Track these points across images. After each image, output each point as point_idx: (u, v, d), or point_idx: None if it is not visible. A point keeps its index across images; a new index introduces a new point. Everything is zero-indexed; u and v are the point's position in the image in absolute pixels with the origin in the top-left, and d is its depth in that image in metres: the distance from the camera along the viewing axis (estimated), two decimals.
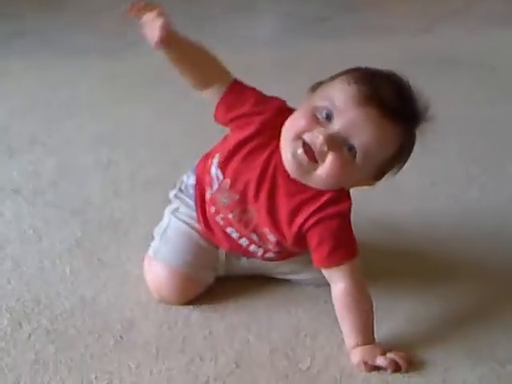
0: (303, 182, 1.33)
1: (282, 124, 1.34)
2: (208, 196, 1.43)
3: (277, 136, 1.34)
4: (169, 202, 1.53)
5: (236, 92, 1.39)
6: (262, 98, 1.39)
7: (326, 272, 1.36)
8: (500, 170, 2.02)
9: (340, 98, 1.28)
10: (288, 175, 1.34)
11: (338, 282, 1.34)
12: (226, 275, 1.49)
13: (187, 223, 1.47)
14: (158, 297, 1.44)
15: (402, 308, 1.46)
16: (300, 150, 1.29)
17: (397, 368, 1.29)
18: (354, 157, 1.28)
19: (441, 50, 3.03)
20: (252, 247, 1.44)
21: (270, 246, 1.42)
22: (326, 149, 1.27)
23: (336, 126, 1.28)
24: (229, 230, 1.43)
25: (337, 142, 1.27)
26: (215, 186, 1.40)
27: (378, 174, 1.35)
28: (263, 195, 1.36)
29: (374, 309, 1.34)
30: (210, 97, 1.41)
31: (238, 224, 1.41)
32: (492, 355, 1.34)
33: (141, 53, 2.90)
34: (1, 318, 1.38)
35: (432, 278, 1.55)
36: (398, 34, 3.26)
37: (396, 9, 3.67)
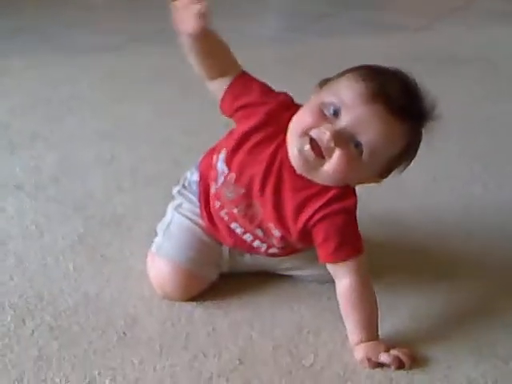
0: (309, 177, 1.33)
1: (288, 119, 1.34)
2: (213, 191, 1.43)
3: (283, 130, 1.34)
4: (172, 198, 1.53)
5: (243, 82, 1.39)
6: (268, 90, 1.39)
7: (331, 268, 1.36)
8: (502, 167, 2.02)
9: (348, 94, 1.28)
10: (294, 170, 1.34)
11: (343, 278, 1.34)
12: (229, 272, 1.49)
13: (190, 219, 1.47)
14: (162, 293, 1.44)
15: (405, 304, 1.46)
16: (307, 147, 1.29)
17: (400, 365, 1.29)
18: (361, 153, 1.28)
19: (442, 47, 3.03)
20: (256, 243, 1.44)
21: (275, 241, 1.41)
22: (332, 145, 1.27)
23: (343, 122, 1.28)
24: (233, 225, 1.42)
25: (344, 138, 1.27)
26: (220, 181, 1.40)
27: (384, 172, 1.35)
28: (269, 190, 1.36)
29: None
30: (218, 87, 1.41)
31: (242, 219, 1.41)
32: (495, 352, 1.34)
33: (141, 50, 2.93)
34: (4, 315, 1.38)
35: (435, 274, 1.55)
36: (400, 31, 3.26)
37: (397, 6, 3.68)
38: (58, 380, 1.23)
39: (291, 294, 1.48)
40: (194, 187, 1.49)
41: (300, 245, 1.42)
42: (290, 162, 1.33)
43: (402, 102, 1.27)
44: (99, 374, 1.25)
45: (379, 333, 1.34)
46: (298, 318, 1.41)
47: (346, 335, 1.34)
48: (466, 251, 1.64)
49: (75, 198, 1.78)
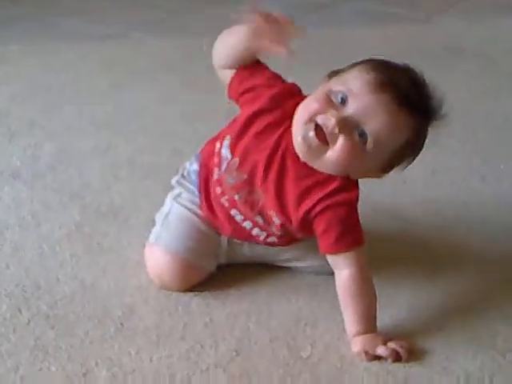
0: (312, 165, 1.32)
1: (292, 106, 1.34)
2: (215, 177, 1.42)
3: (288, 117, 1.33)
4: (171, 188, 1.52)
5: (252, 67, 1.40)
6: (276, 76, 1.40)
7: (330, 259, 1.36)
8: (501, 161, 2.02)
9: (356, 83, 1.28)
10: (297, 158, 1.33)
11: (343, 269, 1.34)
12: (227, 263, 1.48)
13: (189, 209, 1.46)
14: (159, 283, 1.43)
15: (404, 297, 1.45)
16: (312, 133, 1.29)
17: (397, 358, 1.29)
18: (365, 143, 1.28)
19: (441, 40, 3.02)
20: (255, 231, 1.43)
21: (274, 229, 1.41)
22: (337, 131, 1.27)
23: (350, 109, 1.27)
24: (233, 212, 1.42)
25: (349, 126, 1.27)
26: (223, 166, 1.40)
27: (387, 166, 1.35)
28: (271, 177, 1.35)
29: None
30: (229, 73, 1.41)
31: (243, 206, 1.40)
32: (493, 344, 1.34)
33: (141, 39, 2.92)
34: (0, 304, 1.37)
35: (434, 266, 1.55)
36: (398, 23, 3.25)
37: None
38: (54, 369, 1.23)
39: (289, 286, 1.48)
40: (194, 177, 1.48)
41: (299, 234, 1.42)
42: (293, 150, 1.33)
43: (409, 95, 1.28)
44: (96, 363, 1.25)
45: (377, 324, 1.33)
46: (295, 309, 1.41)
47: (344, 327, 1.34)
48: (466, 244, 1.64)
49: (72, 187, 1.78)
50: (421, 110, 1.30)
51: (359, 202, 1.36)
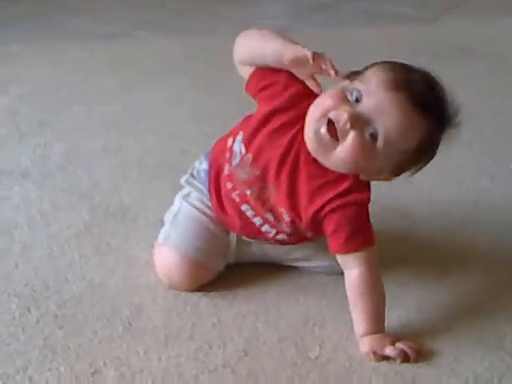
0: (322, 161, 1.32)
1: (308, 106, 1.33)
2: (226, 172, 1.42)
3: (302, 117, 1.33)
4: (180, 187, 1.52)
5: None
6: (295, 76, 1.38)
7: (340, 258, 1.36)
8: (510, 161, 2.01)
9: (372, 82, 1.28)
10: (310, 158, 1.33)
11: (353, 269, 1.34)
12: (236, 262, 1.49)
13: (198, 208, 1.47)
14: (168, 282, 1.44)
15: (412, 297, 1.45)
16: (323, 129, 1.28)
17: (406, 358, 1.28)
18: (375, 141, 1.27)
19: (448, 40, 3.01)
20: (265, 227, 1.43)
21: (284, 226, 1.41)
22: (348, 126, 1.26)
23: (363, 106, 1.27)
24: (244, 207, 1.42)
25: (360, 122, 1.27)
26: (236, 161, 1.40)
27: (397, 169, 1.34)
28: (284, 175, 1.36)
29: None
30: (250, 69, 1.41)
31: (254, 201, 1.40)
32: (501, 346, 1.34)
33: (148, 38, 2.92)
34: (9, 303, 1.38)
35: (442, 267, 1.55)
36: (405, 23, 3.24)
37: None
38: (62, 369, 1.23)
39: (297, 286, 1.48)
40: (203, 175, 1.49)
41: (309, 233, 1.42)
42: (306, 149, 1.33)
43: (424, 96, 1.27)
44: (104, 363, 1.25)
45: (385, 325, 1.33)
46: (303, 309, 1.41)
47: (352, 327, 1.34)
48: (474, 245, 1.64)
49: (81, 187, 1.78)
50: (435, 114, 1.29)
51: None
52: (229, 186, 1.42)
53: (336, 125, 1.27)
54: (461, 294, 1.47)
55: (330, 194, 1.34)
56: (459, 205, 1.78)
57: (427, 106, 1.27)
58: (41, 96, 2.31)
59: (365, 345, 1.31)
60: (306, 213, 1.36)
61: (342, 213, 1.34)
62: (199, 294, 1.43)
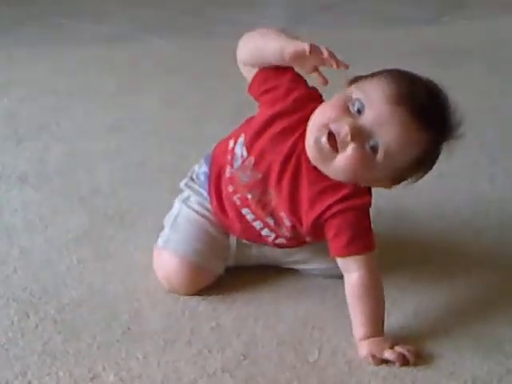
0: (322, 169, 1.32)
1: (312, 110, 1.33)
2: (227, 175, 1.42)
3: (306, 120, 1.33)
4: (179, 191, 1.52)
5: (276, 66, 1.38)
6: (299, 77, 1.38)
7: (340, 261, 1.36)
8: (509, 161, 2.01)
9: (375, 93, 1.28)
10: (311, 164, 1.33)
11: (353, 272, 1.34)
12: (235, 265, 1.48)
13: (198, 212, 1.47)
14: (168, 286, 1.44)
15: (410, 300, 1.45)
16: (324, 139, 1.28)
17: (405, 362, 1.28)
18: (375, 154, 1.27)
19: (448, 41, 3.02)
20: (265, 231, 1.43)
21: (284, 230, 1.41)
22: (349, 139, 1.26)
23: (365, 119, 1.27)
24: (244, 210, 1.42)
25: (361, 135, 1.27)
26: (237, 163, 1.40)
27: (396, 178, 1.34)
28: (285, 180, 1.36)
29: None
30: (253, 70, 1.40)
31: (255, 205, 1.40)
32: (500, 349, 1.34)
33: (149, 40, 2.92)
34: (8, 308, 1.38)
35: (441, 270, 1.55)
36: (406, 23, 3.24)
37: None
38: (61, 374, 1.23)
39: (296, 290, 1.48)
40: (203, 178, 1.49)
41: (309, 237, 1.42)
42: (307, 155, 1.33)
43: (426, 110, 1.26)
44: (103, 368, 1.25)
45: (384, 329, 1.33)
46: (302, 313, 1.41)
47: (351, 331, 1.34)
48: (473, 247, 1.64)
49: (80, 191, 1.78)
50: (436, 127, 1.29)
51: None
52: (230, 189, 1.42)
53: (336, 136, 1.27)
54: (460, 298, 1.47)
55: (331, 200, 1.34)
56: (458, 208, 1.78)
57: (428, 120, 1.27)
58: (40, 99, 2.31)
59: (364, 348, 1.30)
60: (307, 218, 1.36)
61: (343, 217, 1.34)
62: (198, 298, 1.43)
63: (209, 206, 1.47)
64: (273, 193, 1.38)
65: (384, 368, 1.28)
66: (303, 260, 1.50)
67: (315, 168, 1.34)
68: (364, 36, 3.02)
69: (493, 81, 2.58)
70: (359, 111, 1.28)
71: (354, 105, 1.29)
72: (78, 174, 1.86)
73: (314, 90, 1.39)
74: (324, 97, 1.39)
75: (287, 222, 1.40)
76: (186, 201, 1.49)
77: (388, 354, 1.29)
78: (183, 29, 3.07)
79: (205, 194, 1.47)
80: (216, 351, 1.30)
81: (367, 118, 1.27)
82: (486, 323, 1.40)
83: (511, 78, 2.61)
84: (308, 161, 1.34)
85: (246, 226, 1.44)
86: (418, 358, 1.29)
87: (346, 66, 1.30)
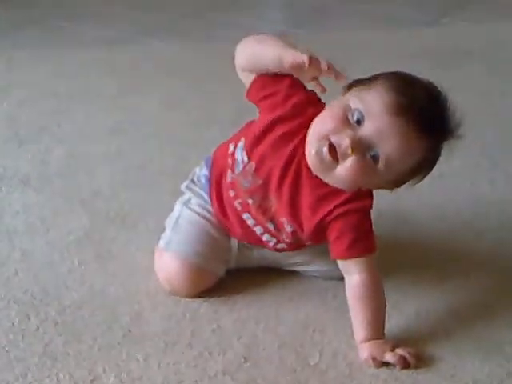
0: (323, 178, 1.32)
1: (312, 114, 1.33)
2: (228, 179, 1.43)
3: (305, 126, 1.33)
4: (180, 193, 1.52)
5: (273, 73, 1.37)
6: (297, 83, 1.38)
7: (341, 264, 1.36)
8: (509, 163, 2.01)
9: (374, 103, 1.27)
10: (311, 170, 1.33)
11: (354, 274, 1.34)
12: (236, 267, 1.48)
13: (199, 213, 1.47)
14: (169, 288, 1.44)
15: (411, 303, 1.45)
16: (325, 149, 1.28)
17: (405, 364, 1.28)
18: (376, 162, 1.28)
19: (449, 42, 3.01)
20: (265, 236, 1.44)
21: (285, 236, 1.41)
22: (349, 151, 1.26)
23: (365, 130, 1.27)
24: (245, 215, 1.42)
25: (362, 147, 1.27)
26: (238, 169, 1.40)
27: (398, 182, 1.35)
28: (286, 185, 1.36)
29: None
30: (251, 75, 1.40)
31: (256, 211, 1.40)
32: (501, 351, 1.34)
33: (150, 43, 2.92)
34: (9, 310, 1.38)
35: (441, 273, 1.54)
36: (405, 25, 3.24)
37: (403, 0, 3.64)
38: (62, 376, 1.23)
39: (297, 292, 1.48)
40: (203, 181, 1.49)
41: (309, 242, 1.42)
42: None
43: (426, 118, 1.26)
44: (104, 370, 1.25)
45: (385, 331, 1.33)
46: (303, 315, 1.41)
47: (352, 333, 1.34)
48: (473, 249, 1.64)
49: (81, 193, 1.78)
50: (436, 133, 1.29)
51: None
52: (231, 193, 1.43)
53: (337, 148, 1.27)
54: (460, 300, 1.47)
55: (333, 204, 1.34)
56: (458, 209, 1.78)
57: (428, 127, 1.27)
58: (41, 102, 2.31)
59: (364, 351, 1.31)
60: (309, 223, 1.36)
61: (345, 220, 1.34)
62: (199, 300, 1.43)
63: (210, 208, 1.47)
64: (273, 199, 1.38)
65: (385, 371, 1.28)
66: (304, 262, 1.50)
67: (316, 175, 1.34)
68: (364, 38, 3.01)
69: (492, 83, 2.58)
70: (358, 121, 1.28)
71: (353, 115, 1.28)
72: (79, 177, 1.86)
73: (313, 93, 1.39)
74: (323, 100, 1.39)
75: (288, 228, 1.40)
76: (186, 203, 1.50)
77: (389, 357, 1.29)
78: (183, 32, 3.07)
79: (206, 196, 1.48)
80: (217, 353, 1.30)
81: (367, 129, 1.27)
82: (486, 326, 1.40)
83: (511, 79, 2.61)
84: (308, 166, 1.34)
85: (247, 231, 1.44)
86: (418, 360, 1.29)
87: (345, 78, 1.30)
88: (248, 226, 1.43)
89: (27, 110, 2.24)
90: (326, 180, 1.33)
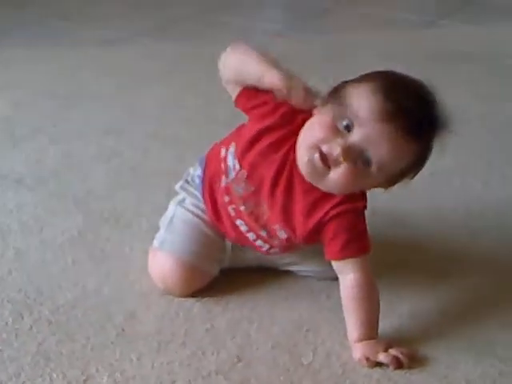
0: (315, 185, 1.32)
1: (302, 120, 1.33)
2: (223, 184, 1.42)
3: (295, 132, 1.33)
4: (175, 193, 1.52)
5: None
6: None
7: (336, 264, 1.36)
8: (504, 164, 2.02)
9: (362, 108, 1.26)
10: (303, 176, 1.33)
11: (348, 274, 1.34)
12: (230, 267, 1.48)
13: (193, 213, 1.47)
14: (163, 287, 1.44)
15: (405, 303, 1.45)
16: (316, 155, 1.28)
17: (399, 365, 1.28)
18: (369, 166, 1.28)
19: (447, 44, 3.02)
20: (258, 242, 1.44)
21: (278, 242, 1.42)
22: (341, 159, 1.26)
23: (355, 137, 1.26)
24: (238, 222, 1.43)
25: (353, 154, 1.26)
26: (231, 176, 1.40)
27: (391, 182, 1.35)
28: (279, 192, 1.36)
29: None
30: (237, 88, 1.40)
31: (248, 217, 1.41)
32: (494, 352, 1.34)
33: (146, 44, 2.93)
34: (2, 309, 1.38)
35: (435, 273, 1.55)
36: (404, 28, 3.25)
37: (402, 2, 3.65)
38: (55, 376, 1.23)
39: (291, 292, 1.48)
40: (197, 181, 1.49)
41: (304, 245, 1.42)
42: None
43: (414, 124, 1.26)
44: (97, 370, 1.25)
45: (378, 331, 1.33)
46: (297, 315, 1.41)
47: (346, 334, 1.34)
48: (467, 250, 1.64)
49: (76, 193, 1.78)
50: (426, 135, 1.29)
51: None
52: (226, 199, 1.43)
53: (329, 156, 1.27)
54: (454, 301, 1.47)
55: (327, 207, 1.34)
56: (452, 210, 1.79)
57: (417, 131, 1.26)
58: (36, 101, 2.31)
59: (358, 351, 1.31)
60: (304, 227, 1.36)
61: (339, 222, 1.34)
62: (192, 299, 1.42)
63: (204, 208, 1.47)
64: (266, 206, 1.38)
65: (378, 371, 1.28)
66: (298, 262, 1.51)
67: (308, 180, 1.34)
68: (363, 39, 3.02)
69: (490, 84, 2.58)
70: (348, 127, 1.27)
71: (342, 122, 1.27)
72: (73, 176, 1.86)
73: None
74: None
75: (282, 235, 1.40)
76: (181, 203, 1.50)
77: (382, 357, 1.29)
78: (181, 33, 3.07)
79: (200, 196, 1.48)
80: (210, 353, 1.30)
81: (357, 136, 1.26)
82: (479, 326, 1.40)
83: (508, 83, 2.61)
84: (300, 173, 1.34)
85: (240, 236, 1.45)
86: (411, 360, 1.29)
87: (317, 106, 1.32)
88: (241, 232, 1.44)
89: (23, 110, 2.25)
90: (319, 186, 1.33)
